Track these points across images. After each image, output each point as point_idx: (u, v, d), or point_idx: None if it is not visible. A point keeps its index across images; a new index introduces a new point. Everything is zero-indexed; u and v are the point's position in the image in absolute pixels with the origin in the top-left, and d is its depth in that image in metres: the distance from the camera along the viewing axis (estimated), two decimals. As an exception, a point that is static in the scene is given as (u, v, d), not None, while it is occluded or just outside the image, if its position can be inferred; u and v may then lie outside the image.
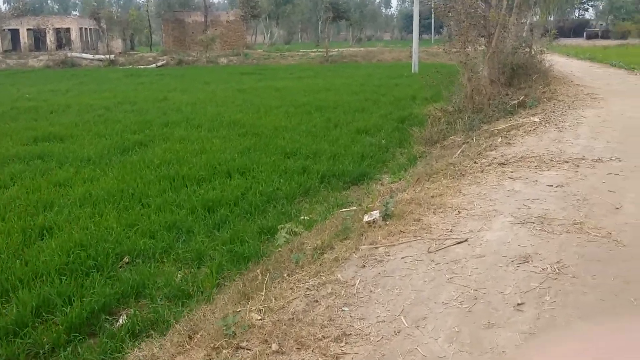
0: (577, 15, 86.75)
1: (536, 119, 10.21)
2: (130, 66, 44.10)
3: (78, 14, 57.72)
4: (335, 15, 46.83)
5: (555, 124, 9.62)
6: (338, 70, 35.67)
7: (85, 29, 48.93)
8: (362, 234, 4.15)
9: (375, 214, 4.43)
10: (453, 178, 6.61)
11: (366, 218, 4.38)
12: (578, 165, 6.65)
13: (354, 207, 5.49)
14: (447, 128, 12.60)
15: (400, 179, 9.24)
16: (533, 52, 14.65)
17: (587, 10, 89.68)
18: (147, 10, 54.43)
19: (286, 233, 5.51)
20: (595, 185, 5.62)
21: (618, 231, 4.08)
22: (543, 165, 6.75)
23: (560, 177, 5.93)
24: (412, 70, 32.07)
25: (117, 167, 10.08)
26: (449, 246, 3.74)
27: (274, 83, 27.36)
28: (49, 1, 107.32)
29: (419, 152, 11.34)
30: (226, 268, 5.70)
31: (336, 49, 50.28)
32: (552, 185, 5.51)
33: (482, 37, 13.86)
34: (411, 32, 51.84)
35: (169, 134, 13.46)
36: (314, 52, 49.00)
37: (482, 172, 6.58)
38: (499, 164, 7.04)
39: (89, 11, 49.93)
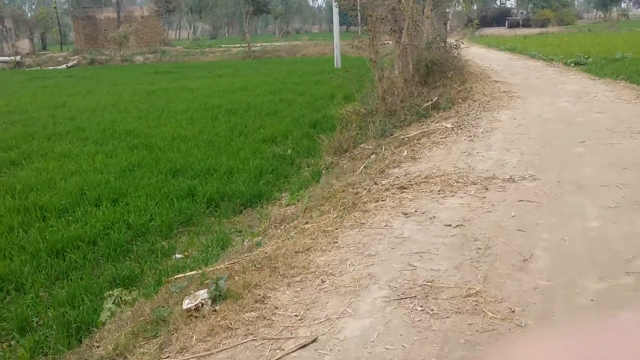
0: (498, 4, 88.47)
1: (448, 125, 9.31)
2: (39, 67, 41.28)
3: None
4: (256, 9, 45.26)
5: (468, 131, 8.72)
6: (259, 67, 34.32)
7: (-13, 28, 45.42)
8: (175, 332, 2.98)
9: (203, 294, 3.25)
10: (343, 209, 5.52)
11: (186, 304, 3.20)
12: (487, 188, 5.70)
13: (193, 272, 4.27)
14: (358, 134, 11.59)
15: (298, 200, 8.12)
16: (448, 47, 13.83)
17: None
18: (55, 7, 51.10)
19: (113, 303, 4.24)
20: (503, 220, 4.63)
21: (523, 305, 3.07)
22: (447, 189, 5.75)
23: (463, 210, 4.92)
24: (335, 65, 31.13)
25: (-36, 197, 8.48)
26: (288, 353, 2.62)
27: (188, 83, 25.79)
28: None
29: (327, 164, 10.26)
30: (51, 344, 4.41)
31: (260, 44, 48.85)
32: (450, 225, 4.48)
33: (393, 31, 12.90)
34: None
35: (49, 149, 11.84)
36: (237, 47, 47.38)
37: (376, 201, 5.52)
38: (399, 188, 6.01)
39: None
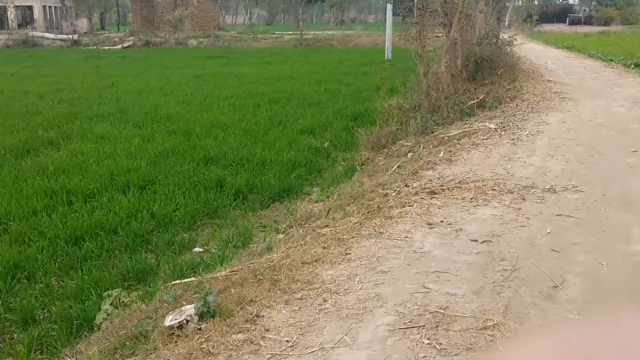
0: (560, 0, 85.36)
1: (492, 125, 8.83)
2: (95, 47, 42.11)
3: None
4: (311, -3, 44.95)
5: (512, 133, 8.23)
6: (310, 55, 34.04)
7: (49, 7, 46.59)
8: (153, 352, 2.74)
9: (189, 310, 3.00)
10: (367, 212, 5.21)
11: (169, 320, 2.94)
12: (524, 199, 5.28)
13: (191, 279, 4.04)
14: (398, 129, 11.21)
15: (328, 196, 7.84)
16: (500, 43, 13.21)
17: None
18: (114, -12, 52.12)
19: (111, 304, 4.05)
20: (536, 237, 4.23)
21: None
22: (480, 196, 5.36)
23: (494, 223, 4.54)
24: (385, 57, 30.55)
25: (-1, 175, 8.53)
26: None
27: (237, 69, 25.76)
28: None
29: (362, 159, 9.92)
30: (51, 342, 4.28)
31: (312, 32, 48.51)
32: (476, 241, 4.11)
33: (443, 25, 12.40)
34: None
35: (89, 130, 11.90)
36: (290, 34, 47.21)
37: (402, 206, 5.18)
38: (429, 192, 5.65)
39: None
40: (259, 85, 19.72)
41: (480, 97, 10.70)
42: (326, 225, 5.05)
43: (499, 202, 5.20)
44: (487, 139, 8.11)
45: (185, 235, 6.78)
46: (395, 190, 6.18)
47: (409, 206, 5.26)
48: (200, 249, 6.39)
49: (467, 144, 7.86)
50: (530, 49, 23.51)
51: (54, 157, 9.60)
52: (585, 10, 74.41)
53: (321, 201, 7.72)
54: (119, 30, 49.45)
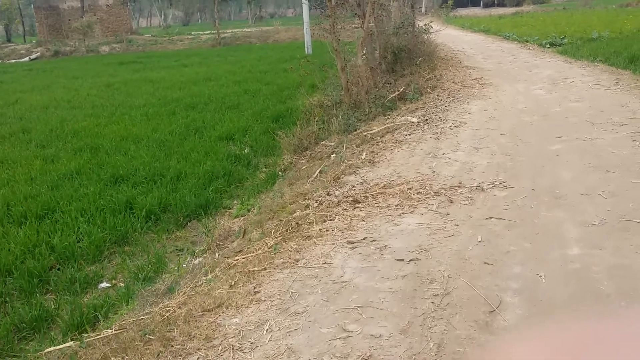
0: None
1: (414, 119, 8.51)
2: (0, 61, 39.58)
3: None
4: (225, -5, 43.84)
5: (435, 126, 7.93)
6: (228, 55, 33.17)
7: (-56, 20, 43.38)
8: None
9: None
10: (285, 231, 4.71)
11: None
12: (451, 201, 4.92)
13: (67, 344, 3.42)
14: (321, 129, 10.77)
15: (248, 210, 7.29)
16: (416, 32, 12.98)
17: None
18: (16, -2, 49.16)
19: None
20: (467, 249, 3.85)
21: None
22: (406, 202, 4.96)
23: (422, 234, 4.13)
24: (305, 52, 30.09)
25: None
26: None
27: (151, 74, 24.65)
28: None
29: (285, 164, 9.42)
30: None
31: (230, 30, 47.48)
32: (403, 260, 3.68)
33: (357, 16, 12.03)
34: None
35: (-14, 154, 10.82)
36: (207, 34, 46.04)
37: (323, 221, 4.72)
38: (352, 202, 5.21)
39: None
40: (174, 91, 18.85)
41: (401, 89, 10.40)
42: (240, 251, 4.51)
43: (426, 208, 4.81)
44: (410, 134, 7.77)
45: (90, 268, 6.08)
46: (316, 201, 5.71)
47: (330, 220, 4.80)
48: (107, 284, 5.71)
49: (390, 141, 7.49)
50: (447, 35, 23.65)
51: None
52: (497, -8, 76.55)
53: (241, 216, 7.16)
54: (25, 42, 46.72)
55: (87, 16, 41.15)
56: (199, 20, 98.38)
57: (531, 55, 15.01)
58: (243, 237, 5.41)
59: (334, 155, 8.46)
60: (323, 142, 9.78)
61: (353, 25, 13.76)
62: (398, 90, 10.33)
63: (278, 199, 6.57)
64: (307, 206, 5.71)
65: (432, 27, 14.06)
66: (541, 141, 6.64)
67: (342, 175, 6.30)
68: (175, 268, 5.79)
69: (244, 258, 4.06)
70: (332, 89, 12.08)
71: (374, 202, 5.15)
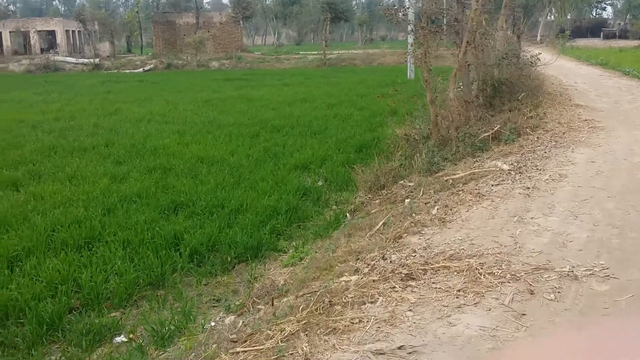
0: (594, 14, 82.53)
1: (505, 166, 7.33)
2: (116, 70, 41.78)
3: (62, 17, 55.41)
4: (334, 16, 43.80)
5: (528, 177, 6.73)
6: (331, 75, 32.88)
7: (72, 31, 46.55)
8: None
9: None
10: (313, 312, 3.83)
11: None
12: (532, 292, 3.82)
13: None
14: (402, 165, 9.79)
15: (301, 259, 6.45)
16: (521, 64, 11.67)
17: (604, 9, 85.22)
18: (137, 12, 51.89)
19: None
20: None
21: None
22: (472, 287, 3.92)
23: (482, 347, 3.09)
24: (407, 76, 29.13)
25: None
26: None
27: (251, 92, 24.70)
28: (54, 2, 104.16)
29: (356, 204, 8.53)
30: None
31: (337, 52, 47.38)
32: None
33: (456, 45, 10.97)
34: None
35: (62, 167, 10.78)
36: (314, 54, 46.18)
37: (361, 304, 3.79)
38: (405, 276, 4.23)
39: (74, 13, 47.64)
40: (267, 110, 18.56)
41: (496, 128, 9.21)
42: (251, 334, 3.66)
43: (496, 299, 3.74)
44: (497, 184, 6.63)
45: (114, 314, 5.48)
46: (368, 265, 4.78)
47: (371, 302, 3.85)
48: (123, 339, 5.05)
49: (471, 192, 6.39)
50: (560, 67, 21.81)
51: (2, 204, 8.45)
52: (619, 24, 71.53)
53: (292, 265, 6.34)
54: (142, 53, 49.17)
55: (200, 32, 42.57)
56: (312, 41, 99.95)
57: (655, 96, 13.19)
58: (272, 304, 4.56)
59: (408, 200, 7.46)
60: (402, 182, 8.79)
61: (452, 53, 12.69)
62: (492, 129, 9.15)
63: (330, 253, 5.69)
64: (356, 270, 4.80)
65: (539, 60, 12.66)
66: (661, 211, 5.31)
67: (405, 234, 5.31)
68: (200, 327, 5.05)
69: (245, 352, 3.21)
70: (421, 121, 11.05)
71: (432, 280, 4.13)
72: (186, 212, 8.10)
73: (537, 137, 8.80)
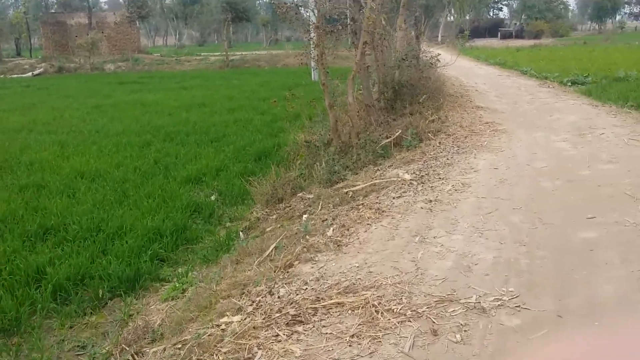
0: (492, 14, 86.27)
1: (406, 175, 6.89)
2: (2, 75, 38.60)
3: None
4: (234, 16, 42.73)
5: (431, 187, 6.30)
6: (233, 77, 31.90)
7: (-50, 32, 42.62)
8: None
9: None
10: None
11: None
12: (435, 332, 3.29)
13: None
14: (302, 175, 9.19)
15: (183, 291, 5.66)
16: (422, 65, 11.40)
17: (500, 9, 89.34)
18: (25, 12, 48.37)
19: None
20: None
21: None
22: (369, 329, 3.35)
23: None
24: (312, 78, 28.68)
25: None
26: None
27: (146, 96, 23.34)
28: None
29: (251, 221, 7.82)
30: None
31: (240, 53, 46.38)
32: None
33: (355, 46, 10.50)
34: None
35: None
36: (216, 55, 44.91)
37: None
38: (292, 320, 3.59)
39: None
40: (162, 117, 17.42)
41: (397, 133, 8.80)
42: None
43: (395, 345, 3.17)
44: (398, 197, 6.15)
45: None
46: (252, 302, 4.11)
47: (248, 358, 3.16)
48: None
49: (371, 207, 5.86)
50: (460, 67, 22.12)
51: None
52: (515, 24, 75.17)
53: (171, 298, 5.54)
54: (31, 57, 45.85)
55: (93, 33, 40.18)
56: (216, 41, 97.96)
57: (551, 95, 13.35)
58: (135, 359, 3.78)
59: (305, 215, 6.85)
60: (300, 194, 8.18)
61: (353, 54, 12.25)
62: (394, 135, 8.73)
63: (214, 286, 4.94)
64: (239, 309, 4.11)
65: (439, 61, 12.49)
66: (567, 223, 4.97)
67: (297, 262, 4.67)
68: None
69: None
70: (321, 126, 10.52)
71: (323, 322, 3.52)
72: (56, 238, 7.07)
73: (439, 142, 8.46)
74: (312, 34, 9.27)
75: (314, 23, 9.19)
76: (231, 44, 68.53)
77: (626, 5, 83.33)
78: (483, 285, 3.89)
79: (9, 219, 7.74)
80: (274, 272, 4.61)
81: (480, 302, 3.61)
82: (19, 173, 10.40)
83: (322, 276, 4.28)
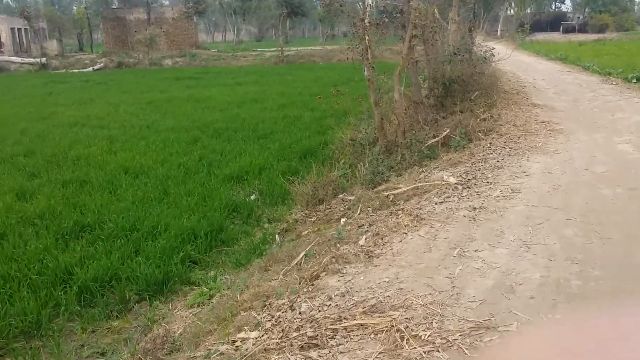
0: (554, 7, 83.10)
1: (452, 179, 6.44)
2: (64, 70, 39.85)
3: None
4: (290, 11, 42.63)
5: (477, 193, 5.84)
6: (287, 73, 31.77)
7: (18, 29, 44.32)
8: None
9: None
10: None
11: None
12: (466, 367, 2.88)
13: None
14: (344, 175, 8.86)
15: (210, 297, 5.43)
16: (474, 60, 10.82)
17: (563, 2, 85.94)
18: (86, 7, 49.81)
19: None
20: None
21: None
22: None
23: None
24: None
25: None
26: None
27: (201, 91, 23.49)
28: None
29: (290, 222, 7.53)
30: None
31: (295, 48, 46.28)
32: None
33: (402, 40, 10.05)
34: (375, 25, 47.49)
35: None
36: (272, 51, 44.98)
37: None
38: (309, 342, 3.27)
39: (18, 9, 45.44)
40: (214, 112, 17.41)
41: (445, 133, 8.33)
42: None
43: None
44: (440, 202, 5.72)
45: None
46: (272, 318, 3.82)
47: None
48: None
49: (410, 213, 5.46)
50: (519, 62, 21.20)
51: None
52: (579, 17, 72.11)
53: (197, 305, 5.32)
54: (92, 52, 47.20)
55: (151, 28, 40.94)
56: (273, 37, 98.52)
57: (615, 93, 12.47)
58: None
59: (343, 219, 6.52)
60: (342, 195, 7.84)
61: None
62: (441, 134, 8.26)
63: (238, 295, 4.68)
64: (257, 324, 3.82)
65: (493, 55, 11.85)
66: (628, 238, 4.44)
67: (324, 273, 4.34)
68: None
69: None
70: (367, 124, 10.13)
71: (342, 347, 3.18)
72: (90, 236, 7.00)
73: (490, 143, 7.94)
74: (353, 27, 8.89)
75: (359, 15, 8.80)
76: (288, 39, 68.66)
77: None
78: (527, 310, 3.45)
79: (47, 215, 7.73)
80: (299, 283, 4.30)
81: (521, 332, 3.18)
82: (65, 168, 10.49)
83: (348, 291, 3.94)
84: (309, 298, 3.97)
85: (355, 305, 3.70)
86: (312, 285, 4.20)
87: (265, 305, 4.16)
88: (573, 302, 3.52)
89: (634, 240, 4.39)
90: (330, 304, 3.80)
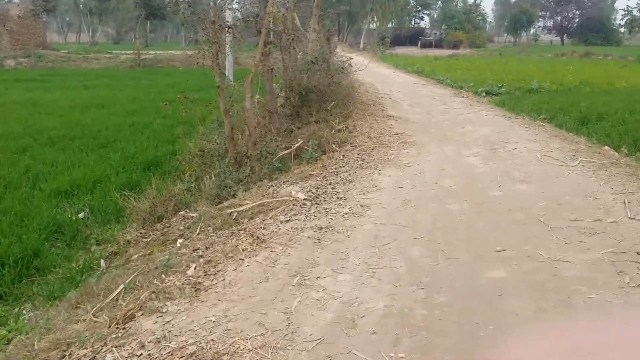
0: (413, 23, 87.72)
1: (300, 195, 5.98)
2: None
3: None
4: (149, 13, 40.67)
5: (325, 210, 5.42)
6: (143, 78, 30.10)
7: None
8: None
9: None
10: None
11: None
12: None
13: None
14: (189, 189, 8.14)
15: (9, 340, 4.47)
16: (331, 70, 10.57)
17: (422, 18, 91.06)
18: None
19: None
20: None
21: None
22: None
23: None
24: (226, 80, 27.36)
25: None
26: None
27: (43, 95, 21.39)
28: None
29: (120, 244, 6.65)
30: None
31: (154, 52, 44.33)
32: None
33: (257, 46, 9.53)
34: (227, 29, 46.85)
35: None
36: (128, 54, 42.67)
37: None
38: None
39: None
40: (53, 118, 15.74)
41: (298, 144, 7.90)
42: None
43: None
44: (286, 221, 5.22)
45: None
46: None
47: None
48: None
49: (252, 234, 4.89)
50: (378, 74, 21.63)
51: None
52: (435, 33, 76.70)
53: (-9, 353, 4.35)
54: None
55: (-9, 26, 37.07)
56: (133, 40, 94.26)
57: (465, 106, 12.88)
58: None
59: (180, 240, 5.83)
60: (183, 212, 7.12)
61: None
62: (293, 146, 7.82)
63: (35, 342, 3.81)
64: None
65: (351, 66, 11.72)
66: (474, 258, 4.20)
67: (140, 312, 3.63)
68: None
69: None
70: (218, 134, 9.48)
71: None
72: None
73: (343, 155, 7.62)
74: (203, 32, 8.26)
75: (208, 18, 8.17)
76: (148, 42, 65.83)
77: (540, 19, 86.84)
78: (367, 348, 3.00)
79: None
80: (109, 326, 3.54)
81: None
82: None
83: (165, 336, 3.27)
84: (116, 347, 3.24)
85: (172, 355, 3.05)
86: (124, 329, 3.48)
87: (64, 357, 3.37)
88: (417, 336, 3.13)
89: (480, 259, 4.16)
90: (141, 354, 3.11)
